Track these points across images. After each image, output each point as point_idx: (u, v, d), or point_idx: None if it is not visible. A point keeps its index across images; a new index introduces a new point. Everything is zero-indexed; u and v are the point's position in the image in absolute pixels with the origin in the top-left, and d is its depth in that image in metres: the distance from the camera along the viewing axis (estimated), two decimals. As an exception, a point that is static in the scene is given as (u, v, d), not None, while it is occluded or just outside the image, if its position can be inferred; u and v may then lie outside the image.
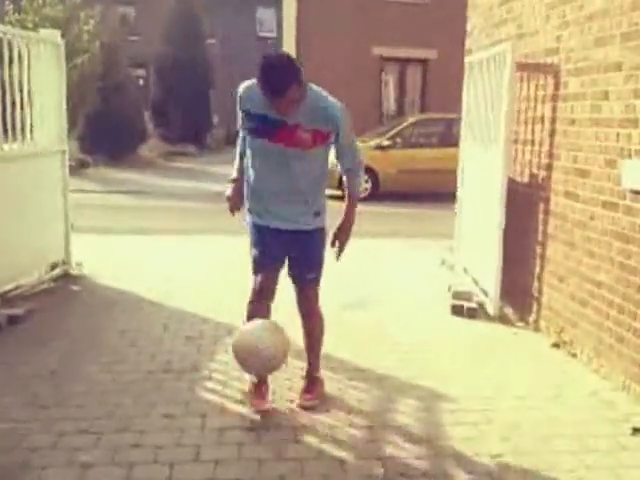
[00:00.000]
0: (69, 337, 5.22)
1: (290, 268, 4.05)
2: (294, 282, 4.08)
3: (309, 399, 4.07)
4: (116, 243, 8.79)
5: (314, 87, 3.73)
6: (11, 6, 19.80)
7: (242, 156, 4.01)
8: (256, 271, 4.00)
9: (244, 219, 4.07)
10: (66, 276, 6.92)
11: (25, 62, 6.28)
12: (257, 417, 3.90)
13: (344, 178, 4.10)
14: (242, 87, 3.78)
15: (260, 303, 4.01)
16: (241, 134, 4.00)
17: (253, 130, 3.77)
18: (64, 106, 6.96)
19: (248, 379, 4.15)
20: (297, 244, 3.93)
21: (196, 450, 3.52)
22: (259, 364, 3.76)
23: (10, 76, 6.13)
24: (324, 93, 3.76)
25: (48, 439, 3.59)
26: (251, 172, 3.88)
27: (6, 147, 6.04)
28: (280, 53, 3.69)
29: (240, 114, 3.84)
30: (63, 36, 7.01)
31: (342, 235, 4.05)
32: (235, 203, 4.04)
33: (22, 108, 6.27)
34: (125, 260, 7.81)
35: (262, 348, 3.68)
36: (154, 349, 4.98)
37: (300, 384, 4.25)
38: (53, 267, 6.83)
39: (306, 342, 4.25)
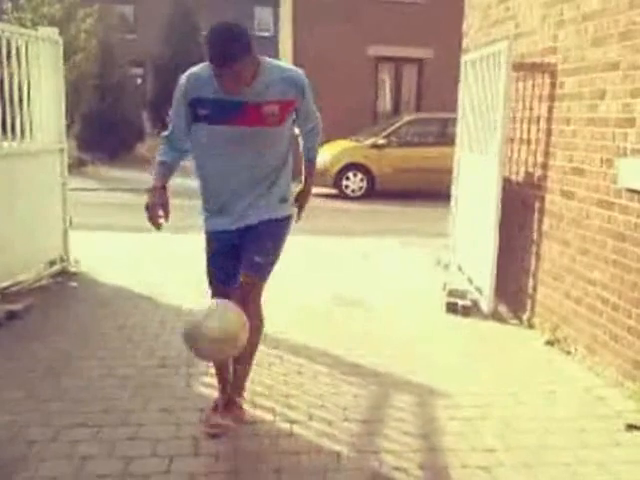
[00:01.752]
0: (67, 332, 5.24)
1: (241, 253, 3.64)
2: (241, 269, 3.62)
3: (216, 425, 3.67)
4: (114, 240, 8.83)
5: (268, 60, 3.44)
6: (10, 4, 19.84)
7: (171, 158, 3.60)
8: (214, 289, 3.74)
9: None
10: (64, 273, 6.96)
11: (24, 60, 6.31)
12: (254, 412, 3.92)
13: (303, 142, 3.88)
14: (185, 76, 3.44)
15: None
16: (174, 131, 3.58)
17: (206, 117, 3.40)
18: (63, 104, 6.99)
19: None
20: (256, 232, 3.58)
21: (194, 443, 3.54)
22: (208, 349, 3.35)
23: (10, 74, 6.16)
24: (280, 63, 3.58)
25: (47, 432, 3.61)
26: (206, 169, 3.57)
27: (5, 145, 6.07)
28: (230, 22, 3.30)
29: (182, 108, 3.46)
30: (61, 34, 7.02)
31: (303, 199, 3.98)
32: (156, 213, 3.43)
33: (21, 106, 6.31)
34: (122, 257, 7.84)
35: (207, 331, 3.25)
36: (151, 344, 5.01)
37: (296, 379, 4.27)
38: (51, 264, 6.86)
39: (240, 361, 3.76)
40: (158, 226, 3.46)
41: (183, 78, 3.44)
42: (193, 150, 3.59)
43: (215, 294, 3.70)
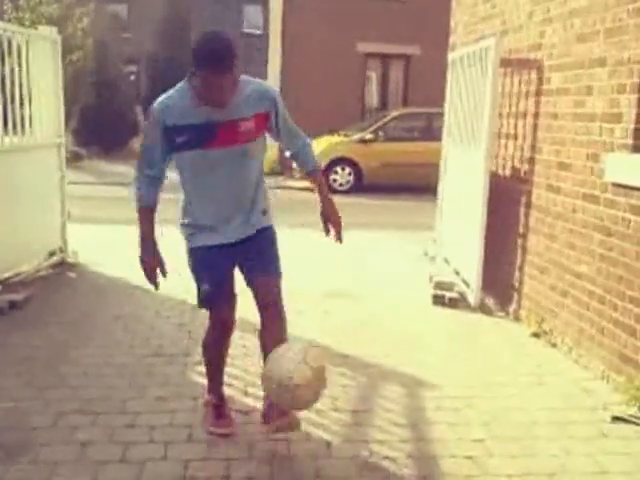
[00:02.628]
0: (65, 322, 5.36)
1: (249, 271, 3.52)
2: (254, 279, 3.51)
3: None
4: (110, 232, 8.95)
5: (242, 76, 3.32)
6: (10, 4, 19.99)
7: (153, 199, 3.47)
8: (213, 308, 3.54)
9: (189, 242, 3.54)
10: (63, 264, 7.15)
11: (24, 58, 6.44)
12: (246, 400, 3.97)
13: (299, 160, 3.70)
14: (157, 106, 3.30)
15: (229, 334, 3.65)
16: (151, 165, 3.40)
17: (186, 144, 3.25)
18: (61, 101, 7.13)
19: (206, 396, 3.81)
20: (251, 247, 3.49)
21: (189, 431, 3.61)
22: (289, 399, 3.16)
23: (10, 71, 6.28)
24: (250, 78, 3.43)
25: (47, 418, 3.69)
26: (193, 193, 3.44)
27: (6, 140, 6.19)
28: (221, 31, 3.20)
29: (158, 137, 3.30)
30: (58, 33, 7.16)
31: (330, 215, 3.64)
32: (154, 275, 3.49)
33: (21, 103, 6.43)
34: (119, 249, 7.85)
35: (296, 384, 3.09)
36: (147, 334, 5.12)
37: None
38: (51, 255, 7.05)
39: (270, 343, 3.46)
40: (156, 285, 3.51)
41: (155, 108, 3.30)
42: (181, 175, 3.44)
43: (216, 311, 3.54)
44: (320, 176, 3.74)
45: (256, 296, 3.51)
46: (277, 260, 3.57)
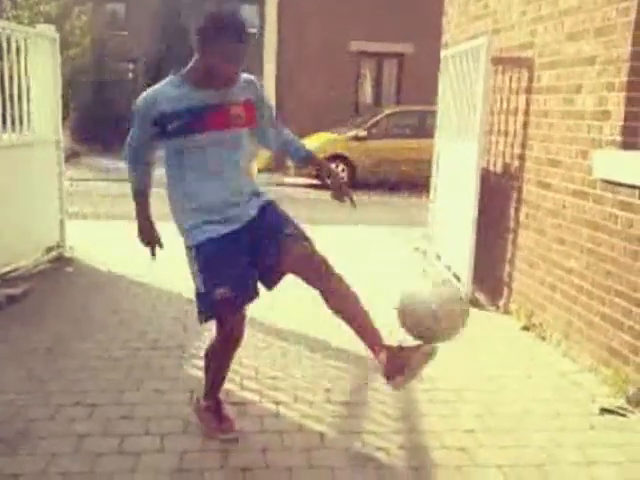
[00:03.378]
0: (63, 316, 5.40)
1: (267, 249, 3.27)
2: (282, 255, 3.25)
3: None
4: (107, 228, 9.04)
5: None
6: (8, 2, 20.04)
7: (145, 182, 3.55)
8: (227, 315, 3.25)
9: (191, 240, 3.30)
10: (61, 259, 7.22)
11: (23, 56, 6.50)
12: (243, 394, 4.02)
13: (292, 146, 3.68)
14: (145, 97, 3.26)
15: (240, 343, 3.44)
16: (141, 150, 3.51)
17: (182, 128, 3.18)
18: (59, 98, 7.19)
19: (199, 404, 3.70)
20: (261, 225, 3.32)
21: (184, 423, 3.64)
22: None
23: (9, 69, 6.34)
24: None
25: (45, 411, 3.73)
26: (188, 182, 3.29)
27: (5, 136, 6.24)
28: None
29: (146, 128, 3.30)
30: (56, 31, 7.20)
31: (343, 186, 3.58)
32: (154, 249, 3.62)
33: (20, 100, 6.48)
34: (116, 244, 8.00)
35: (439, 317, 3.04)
36: (143, 328, 5.16)
37: (282, 362, 4.38)
38: (49, 250, 7.10)
39: (357, 318, 3.36)
40: (154, 256, 3.64)
41: (140, 100, 3.27)
42: (171, 169, 3.36)
43: (231, 321, 3.28)
44: (314, 156, 3.75)
45: (297, 273, 3.26)
46: (292, 223, 3.37)
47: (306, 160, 3.75)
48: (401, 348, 3.09)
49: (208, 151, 3.25)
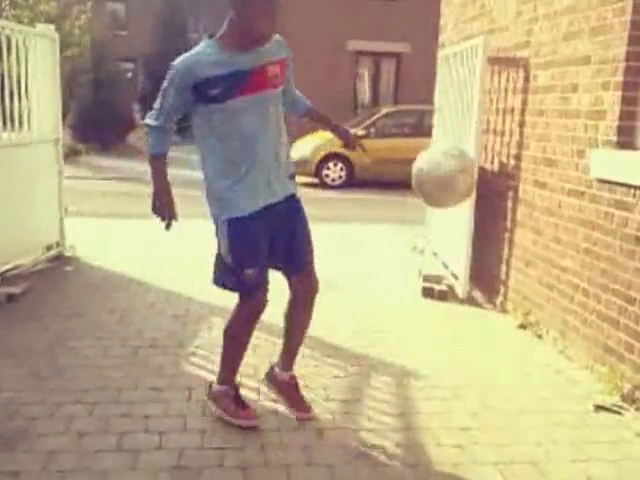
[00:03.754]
0: (63, 314, 5.41)
1: (285, 254, 3.48)
2: (291, 269, 3.54)
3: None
4: (107, 227, 9.05)
5: None
6: (8, 2, 20.05)
7: (165, 148, 3.42)
8: (254, 294, 3.41)
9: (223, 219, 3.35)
10: (60, 257, 7.23)
11: (23, 55, 6.51)
12: (240, 391, 4.01)
13: (300, 102, 3.78)
14: (184, 61, 3.21)
15: (259, 316, 3.56)
16: (167, 119, 3.36)
17: (224, 93, 3.16)
18: (59, 97, 7.21)
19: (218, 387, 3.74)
20: (289, 216, 3.45)
21: (183, 421, 3.66)
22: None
23: (9, 68, 6.33)
24: None
25: (44, 409, 3.74)
26: (225, 148, 3.29)
27: (5, 135, 6.24)
28: None
29: (182, 94, 3.23)
30: (56, 31, 7.22)
31: (347, 132, 3.81)
32: (172, 213, 3.39)
33: (20, 99, 6.49)
34: (115, 243, 8.10)
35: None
36: (141, 326, 5.18)
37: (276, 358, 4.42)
38: (48, 249, 7.12)
39: (295, 339, 3.80)
40: (169, 226, 3.38)
41: (180, 64, 3.20)
42: (205, 138, 3.34)
43: (257, 297, 3.44)
44: (316, 110, 3.86)
45: (292, 286, 3.61)
46: (310, 237, 3.58)
47: (311, 112, 3.85)
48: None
49: (246, 114, 3.24)
